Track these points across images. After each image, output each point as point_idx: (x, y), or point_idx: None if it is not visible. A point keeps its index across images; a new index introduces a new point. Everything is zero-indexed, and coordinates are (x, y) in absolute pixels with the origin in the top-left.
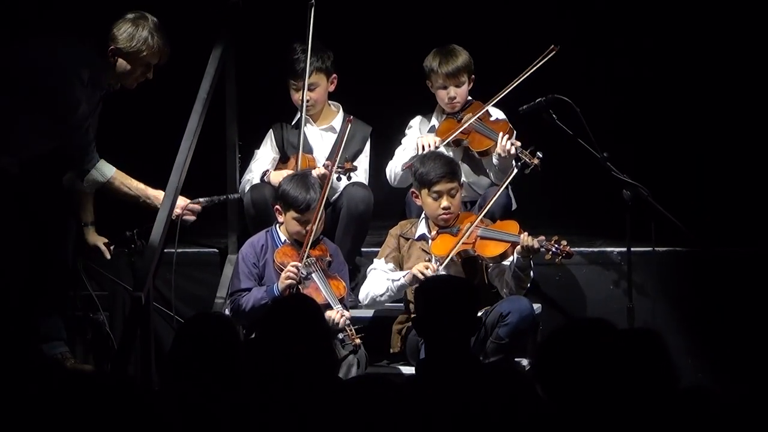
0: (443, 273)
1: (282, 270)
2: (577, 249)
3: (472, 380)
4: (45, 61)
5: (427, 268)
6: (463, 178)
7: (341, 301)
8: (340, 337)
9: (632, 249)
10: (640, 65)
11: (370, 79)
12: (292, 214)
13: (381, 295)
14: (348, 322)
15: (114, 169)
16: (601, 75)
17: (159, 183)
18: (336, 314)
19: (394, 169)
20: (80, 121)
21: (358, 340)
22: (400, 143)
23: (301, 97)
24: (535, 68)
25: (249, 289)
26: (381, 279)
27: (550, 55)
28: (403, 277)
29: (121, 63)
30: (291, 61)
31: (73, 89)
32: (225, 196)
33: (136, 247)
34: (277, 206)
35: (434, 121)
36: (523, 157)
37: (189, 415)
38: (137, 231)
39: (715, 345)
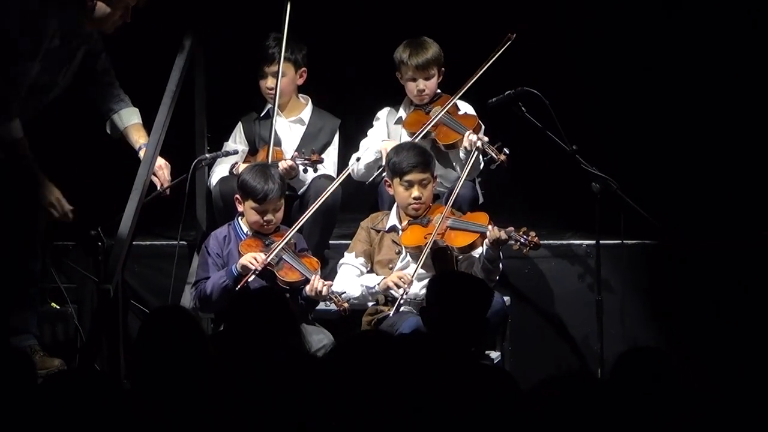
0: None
1: None
2: (546, 242)
3: (465, 378)
4: None
5: (401, 279)
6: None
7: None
8: (327, 306)
9: (601, 242)
10: (609, 57)
11: (339, 70)
12: (250, 203)
13: (355, 298)
14: (332, 289)
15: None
16: (570, 67)
17: (127, 177)
18: (318, 283)
19: (354, 164)
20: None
21: (346, 304)
22: (367, 135)
23: (268, 85)
24: (494, 59)
25: None
26: (355, 281)
27: (507, 44)
28: (377, 285)
29: (101, 6)
30: (262, 47)
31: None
32: (225, 151)
33: (104, 246)
34: (237, 195)
35: (402, 113)
36: (490, 152)
37: (158, 409)
38: (102, 228)
39: (685, 340)
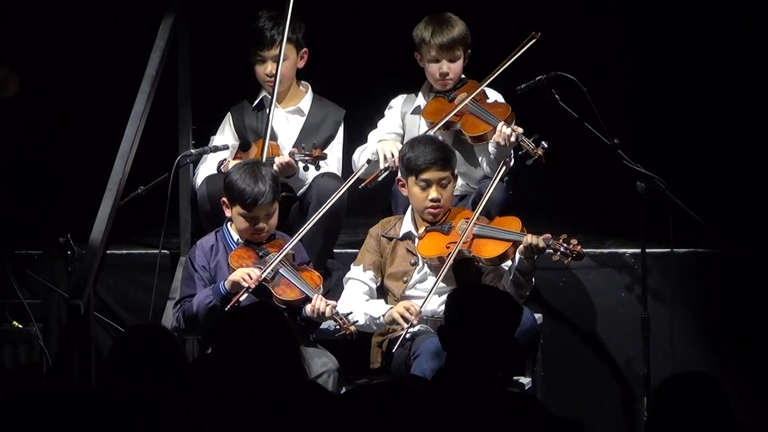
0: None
1: None
2: (584, 250)
3: (491, 404)
4: None
5: (408, 311)
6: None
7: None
8: (331, 329)
9: (647, 250)
10: (657, 37)
11: (344, 51)
12: (238, 209)
13: (359, 326)
14: (336, 310)
15: None
16: (611, 49)
17: (101, 173)
18: (320, 302)
19: (357, 160)
20: None
21: (352, 328)
22: (377, 126)
23: (268, 71)
24: (516, 56)
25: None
26: (360, 305)
27: (530, 43)
28: (383, 316)
29: None
30: (257, 28)
31: None
32: (213, 146)
33: (74, 255)
34: (224, 198)
35: (421, 101)
36: (525, 146)
37: None
38: (72, 234)
39: (743, 360)
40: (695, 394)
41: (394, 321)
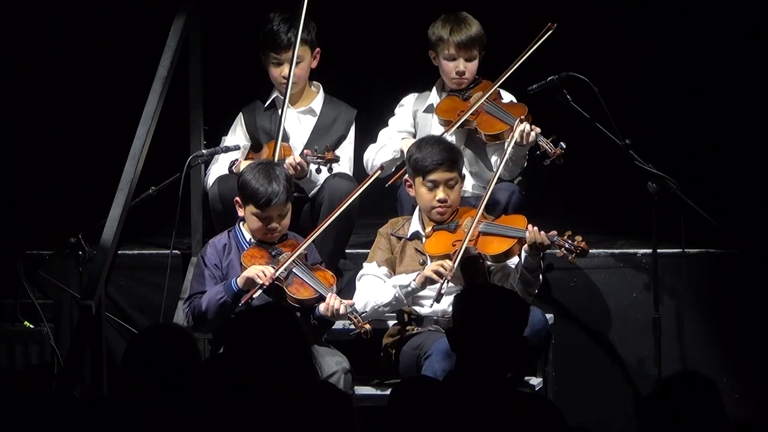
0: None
1: None
2: (595, 250)
3: (501, 405)
4: None
5: (442, 267)
6: (465, 170)
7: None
8: (345, 328)
9: (659, 250)
10: (668, 37)
11: (354, 51)
12: (251, 209)
13: (386, 304)
14: (350, 309)
15: None
16: (623, 49)
17: (113, 174)
18: (334, 300)
19: (371, 159)
20: None
21: (367, 326)
22: (388, 125)
23: (282, 73)
24: (533, 50)
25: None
26: (383, 285)
27: (548, 34)
28: (413, 281)
29: None
30: (271, 31)
31: None
32: (224, 147)
33: (85, 255)
34: (237, 198)
35: (434, 98)
36: (544, 146)
37: None
38: (83, 235)
39: (754, 361)
40: (686, 395)
41: (427, 280)
